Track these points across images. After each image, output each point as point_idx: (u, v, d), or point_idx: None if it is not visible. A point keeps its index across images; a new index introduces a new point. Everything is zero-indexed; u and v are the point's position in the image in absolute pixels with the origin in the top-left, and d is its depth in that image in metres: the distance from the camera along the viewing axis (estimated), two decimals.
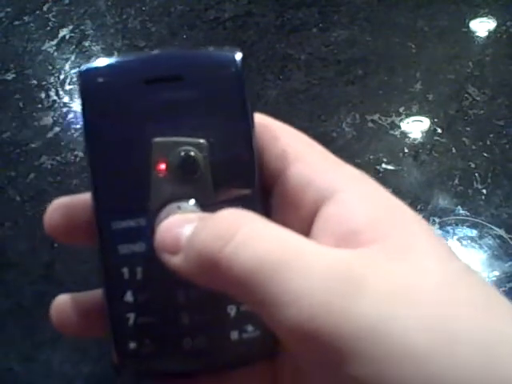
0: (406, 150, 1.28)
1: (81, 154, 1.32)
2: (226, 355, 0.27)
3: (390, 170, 1.25)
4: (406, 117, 1.33)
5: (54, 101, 1.43)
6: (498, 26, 1.49)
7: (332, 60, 1.45)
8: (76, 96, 1.43)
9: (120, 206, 0.27)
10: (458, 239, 1.15)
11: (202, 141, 0.26)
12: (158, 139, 0.26)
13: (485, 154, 1.26)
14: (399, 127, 1.32)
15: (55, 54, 1.54)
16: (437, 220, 1.17)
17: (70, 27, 1.59)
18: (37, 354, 1.06)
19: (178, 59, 0.28)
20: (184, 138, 0.26)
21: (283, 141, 0.27)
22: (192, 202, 0.26)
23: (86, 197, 0.28)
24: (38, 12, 1.63)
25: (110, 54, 1.51)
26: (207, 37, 1.53)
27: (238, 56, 0.27)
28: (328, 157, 0.27)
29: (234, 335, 0.27)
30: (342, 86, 1.40)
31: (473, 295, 0.22)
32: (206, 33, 1.55)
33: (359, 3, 1.57)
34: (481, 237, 1.15)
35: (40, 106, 1.42)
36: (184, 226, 0.24)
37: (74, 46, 1.55)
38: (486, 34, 1.49)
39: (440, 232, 1.15)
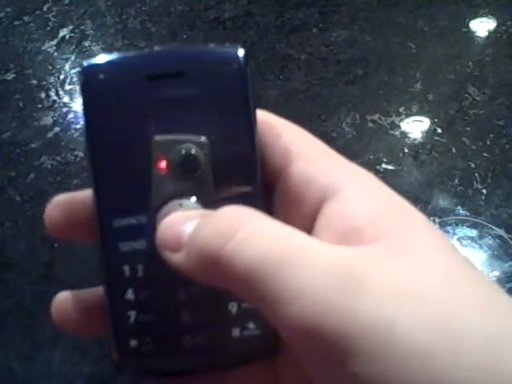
0: (406, 150, 1.28)
1: (81, 154, 1.32)
2: (227, 353, 0.27)
3: (390, 169, 1.25)
4: (406, 117, 1.33)
5: (54, 101, 1.43)
6: (497, 26, 1.49)
7: (332, 60, 1.45)
8: (76, 96, 1.43)
9: (121, 204, 0.27)
10: (458, 239, 1.15)
11: (203, 138, 0.26)
12: (158, 137, 0.26)
13: (485, 154, 1.26)
14: (399, 127, 1.32)
15: (55, 54, 1.54)
16: (437, 220, 1.17)
17: (70, 27, 1.59)
18: (37, 354, 1.06)
19: (179, 55, 0.28)
20: (185, 135, 0.26)
21: (285, 138, 0.27)
22: (193, 199, 0.26)
23: (86, 193, 0.27)
24: (38, 12, 1.63)
25: None
26: (207, 37, 1.53)
27: (241, 52, 0.27)
28: (330, 154, 0.27)
29: (236, 333, 0.27)
30: (342, 86, 1.40)
31: (476, 292, 0.22)
32: (205, 33, 1.55)
33: (359, 3, 1.57)
34: (481, 237, 1.15)
35: (40, 106, 1.42)
36: (185, 223, 0.24)
37: (73, 46, 1.55)
38: (486, 34, 1.49)
39: None
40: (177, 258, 0.24)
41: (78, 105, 1.41)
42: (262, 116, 0.28)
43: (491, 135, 1.29)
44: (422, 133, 1.32)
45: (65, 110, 1.41)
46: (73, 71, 1.49)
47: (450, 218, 1.18)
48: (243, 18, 1.57)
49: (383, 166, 1.26)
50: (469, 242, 1.15)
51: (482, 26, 1.50)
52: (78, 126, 1.37)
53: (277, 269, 0.22)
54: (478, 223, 1.17)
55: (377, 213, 0.24)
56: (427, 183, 1.23)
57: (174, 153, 0.26)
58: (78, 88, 1.42)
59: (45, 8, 1.64)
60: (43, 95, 1.44)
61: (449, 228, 1.17)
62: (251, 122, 0.27)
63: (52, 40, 1.56)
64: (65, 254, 1.17)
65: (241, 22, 1.56)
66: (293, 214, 0.26)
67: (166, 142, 0.26)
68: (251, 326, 0.27)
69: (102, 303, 0.27)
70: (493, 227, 1.16)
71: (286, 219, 0.25)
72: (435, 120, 1.32)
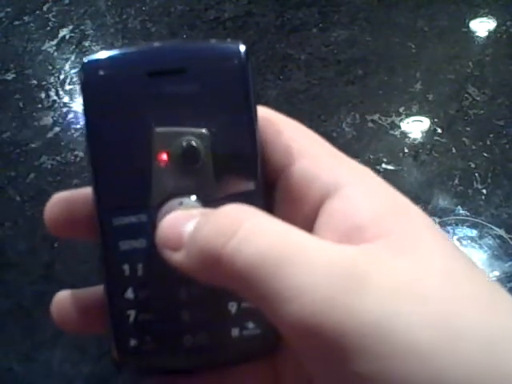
0: (406, 150, 1.28)
1: (81, 154, 1.32)
2: (226, 352, 0.27)
3: (390, 169, 1.25)
4: (406, 117, 1.33)
5: (54, 101, 1.43)
6: (497, 26, 1.49)
7: (332, 60, 1.45)
8: (76, 96, 1.43)
9: (121, 202, 0.27)
10: (458, 239, 1.15)
11: (203, 131, 0.26)
12: (159, 129, 0.26)
13: (485, 154, 1.26)
14: (399, 127, 1.32)
15: (55, 54, 1.53)
16: (437, 220, 1.17)
17: (70, 27, 1.59)
18: (37, 354, 1.06)
19: (181, 51, 0.28)
20: (186, 128, 0.26)
21: (287, 135, 0.27)
22: (194, 197, 0.26)
23: (86, 191, 0.27)
24: (38, 12, 1.63)
25: None
26: (207, 37, 1.53)
27: (242, 48, 0.27)
28: (332, 151, 0.27)
29: (235, 332, 0.27)
30: (342, 86, 1.40)
31: (477, 291, 0.22)
32: (205, 33, 1.55)
33: (359, 3, 1.57)
34: (481, 237, 1.15)
35: (40, 106, 1.42)
36: (186, 222, 0.24)
37: (73, 46, 1.55)
38: (486, 34, 1.49)
39: None
40: (177, 257, 0.24)
41: (78, 105, 1.41)
42: (263, 112, 0.27)
43: (491, 135, 1.29)
44: (422, 133, 1.31)
45: (65, 110, 1.41)
46: (73, 71, 1.49)
47: (449, 218, 1.18)
48: (243, 18, 1.57)
49: (383, 165, 1.26)
50: (469, 241, 1.15)
51: (482, 26, 1.50)
52: (78, 126, 1.37)
53: (277, 267, 0.22)
54: (478, 223, 1.17)
55: (379, 211, 0.24)
56: (427, 183, 1.23)
57: (174, 145, 0.26)
58: (78, 88, 1.43)
59: (45, 8, 1.64)
60: (43, 95, 1.44)
61: (449, 228, 1.17)
62: (252, 117, 0.27)
63: (52, 40, 1.56)
64: (65, 253, 1.17)
65: (241, 22, 1.56)
66: (294, 212, 0.26)
67: (168, 133, 0.26)
68: (251, 325, 0.27)
69: (102, 302, 0.27)
70: (493, 227, 1.16)
71: (288, 217, 0.25)
72: (435, 120, 1.32)
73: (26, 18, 1.62)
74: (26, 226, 1.22)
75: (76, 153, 1.32)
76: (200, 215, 0.24)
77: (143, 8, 1.62)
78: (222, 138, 0.26)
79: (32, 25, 1.61)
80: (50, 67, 1.50)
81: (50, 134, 1.37)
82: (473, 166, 1.24)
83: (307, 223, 0.26)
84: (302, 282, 0.22)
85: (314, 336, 0.21)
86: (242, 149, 0.27)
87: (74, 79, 1.47)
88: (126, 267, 0.27)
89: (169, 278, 0.26)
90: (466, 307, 0.22)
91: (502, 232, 1.15)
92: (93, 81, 0.27)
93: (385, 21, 1.52)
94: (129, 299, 0.27)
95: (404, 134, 1.31)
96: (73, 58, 1.52)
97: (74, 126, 1.38)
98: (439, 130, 1.31)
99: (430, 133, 1.31)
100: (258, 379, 0.28)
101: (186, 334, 0.27)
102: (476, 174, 1.23)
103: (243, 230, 0.23)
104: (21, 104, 1.43)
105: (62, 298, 0.28)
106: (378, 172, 1.24)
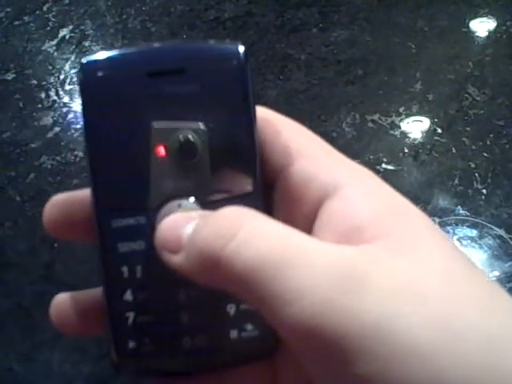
0: (406, 150, 1.28)
1: (81, 154, 1.32)
2: (225, 354, 0.27)
3: (390, 169, 1.25)
4: (406, 117, 1.33)
5: (54, 101, 1.43)
6: (498, 26, 1.49)
7: (332, 60, 1.45)
8: (76, 96, 1.43)
9: (120, 204, 0.27)
10: (458, 239, 1.15)
11: (201, 126, 0.26)
12: (157, 124, 0.26)
13: (485, 154, 1.26)
14: (399, 127, 1.32)
15: (55, 54, 1.53)
16: (437, 220, 1.17)
17: (70, 27, 1.59)
18: (37, 354, 1.06)
19: (180, 52, 0.28)
20: (183, 122, 0.26)
21: (286, 135, 0.27)
22: (192, 199, 0.26)
23: (84, 193, 0.27)
24: (38, 12, 1.63)
25: None
26: (207, 37, 1.53)
27: (241, 48, 0.27)
28: (331, 152, 0.27)
29: (234, 334, 0.27)
30: (342, 86, 1.40)
31: (476, 292, 0.22)
32: (205, 33, 1.55)
33: (359, 3, 1.57)
34: (481, 237, 1.15)
35: (40, 106, 1.42)
36: (185, 224, 0.24)
37: (73, 46, 1.55)
38: (486, 34, 1.49)
39: None
40: (176, 260, 0.24)
41: (77, 105, 1.41)
42: (262, 113, 0.27)
43: (491, 135, 1.29)
44: (422, 133, 1.31)
45: (65, 110, 1.41)
46: (73, 71, 1.49)
47: (449, 218, 1.18)
48: (243, 18, 1.57)
49: (383, 165, 1.26)
50: (469, 241, 1.15)
51: (482, 26, 1.50)
52: (78, 126, 1.37)
53: (277, 270, 0.22)
54: (478, 223, 1.17)
55: (378, 212, 0.24)
56: (427, 183, 1.23)
57: (172, 139, 0.26)
58: (77, 87, 1.42)
59: (45, 8, 1.64)
60: (43, 95, 1.44)
61: (449, 228, 1.16)
62: (251, 117, 0.27)
63: (52, 40, 1.56)
64: (65, 253, 1.17)
65: (241, 22, 1.56)
66: (293, 213, 0.26)
67: (165, 128, 0.26)
68: (249, 327, 0.27)
69: (101, 304, 0.27)
70: (493, 227, 1.16)
71: (287, 218, 0.25)
72: (435, 120, 1.32)
73: (26, 18, 1.62)
74: (26, 226, 1.22)
75: (76, 153, 1.32)
76: (199, 217, 0.24)
77: (143, 8, 1.62)
78: (221, 138, 0.26)
79: (32, 25, 1.61)
80: (50, 67, 1.50)
81: (50, 134, 1.37)
82: (473, 165, 1.24)
83: (306, 224, 0.26)
84: (301, 284, 0.22)
85: (313, 338, 0.21)
86: (241, 149, 0.27)
87: (74, 79, 1.47)
88: (125, 269, 0.27)
89: (167, 280, 0.26)
90: (465, 308, 0.21)
91: (502, 232, 1.15)
92: (91, 81, 0.27)
93: (385, 21, 1.52)
94: (127, 301, 0.27)
95: (404, 134, 1.31)
96: (73, 58, 1.52)
97: (74, 126, 1.38)
98: (439, 130, 1.31)
99: (429, 133, 1.31)
100: (256, 381, 0.28)
101: (185, 336, 0.27)
102: (476, 174, 1.23)
103: (243, 233, 0.23)
104: (21, 104, 1.43)
105: (61, 300, 0.28)
106: (377, 172, 1.24)
